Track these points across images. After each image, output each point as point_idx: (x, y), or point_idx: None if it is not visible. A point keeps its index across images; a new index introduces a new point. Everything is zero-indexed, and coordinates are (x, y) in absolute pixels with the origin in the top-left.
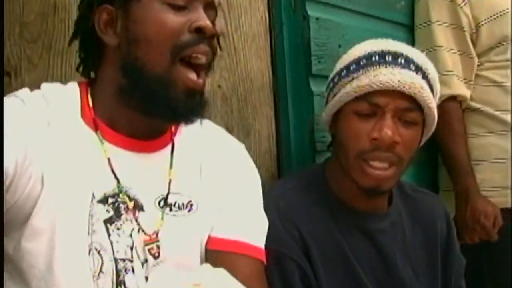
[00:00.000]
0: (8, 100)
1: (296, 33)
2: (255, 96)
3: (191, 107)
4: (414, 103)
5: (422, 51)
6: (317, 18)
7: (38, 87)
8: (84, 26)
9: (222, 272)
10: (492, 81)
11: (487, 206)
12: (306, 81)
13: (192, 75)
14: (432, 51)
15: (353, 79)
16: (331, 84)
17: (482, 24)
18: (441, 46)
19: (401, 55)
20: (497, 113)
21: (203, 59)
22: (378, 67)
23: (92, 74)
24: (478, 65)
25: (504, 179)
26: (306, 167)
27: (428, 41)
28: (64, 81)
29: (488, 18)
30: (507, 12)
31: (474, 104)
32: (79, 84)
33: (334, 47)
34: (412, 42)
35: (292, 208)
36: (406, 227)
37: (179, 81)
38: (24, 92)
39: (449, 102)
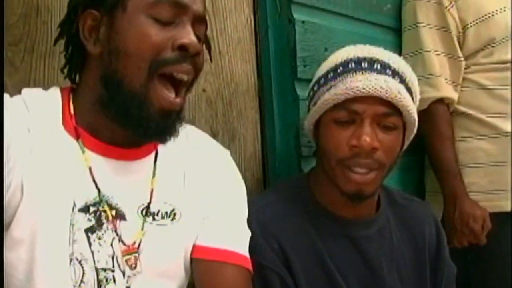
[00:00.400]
0: None
1: (281, 37)
2: (240, 99)
3: (164, 127)
4: (392, 108)
5: (410, 54)
6: (303, 22)
7: (20, 91)
8: (68, 29)
9: None
10: (479, 84)
11: (475, 209)
12: (291, 85)
13: (170, 94)
14: (419, 53)
15: (331, 87)
16: (311, 93)
17: (469, 27)
18: (428, 49)
19: (377, 60)
20: (483, 117)
21: (184, 78)
22: (354, 74)
23: (77, 78)
24: (465, 68)
25: (490, 184)
26: (289, 178)
27: (415, 43)
28: (46, 84)
29: (474, 20)
30: (494, 15)
31: (460, 108)
32: (61, 90)
33: (320, 50)
34: (399, 45)
35: (272, 221)
36: (394, 234)
37: (154, 99)
38: (4, 97)
39: (436, 105)
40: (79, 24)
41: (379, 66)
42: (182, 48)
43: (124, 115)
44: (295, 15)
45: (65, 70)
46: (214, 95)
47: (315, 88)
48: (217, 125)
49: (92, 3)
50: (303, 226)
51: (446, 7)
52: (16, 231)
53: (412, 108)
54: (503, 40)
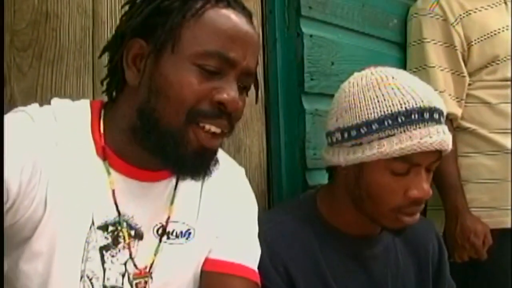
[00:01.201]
0: (16, 115)
1: (289, 50)
2: (247, 111)
3: (199, 166)
4: (441, 153)
5: (414, 69)
6: (311, 35)
7: (27, 96)
8: (115, 47)
9: None
10: (482, 101)
11: (477, 224)
12: (298, 98)
13: (207, 137)
14: (424, 69)
15: (389, 135)
16: (354, 133)
17: (474, 44)
18: (433, 65)
19: (436, 110)
20: (486, 133)
21: (218, 131)
22: (418, 126)
23: (114, 94)
24: (469, 85)
25: (491, 200)
26: (297, 196)
27: (421, 59)
28: (54, 90)
29: (479, 38)
30: (499, 32)
31: (464, 124)
32: (91, 104)
33: (327, 64)
34: (403, 60)
35: (278, 242)
36: (399, 251)
37: (192, 139)
38: (34, 108)
39: None
40: (124, 49)
41: (437, 116)
42: (221, 103)
43: (160, 151)
44: (303, 29)
45: (104, 83)
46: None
47: (364, 130)
48: None
49: (142, 33)
50: (310, 247)
51: (451, 24)
52: (36, 244)
53: None
54: (507, 58)
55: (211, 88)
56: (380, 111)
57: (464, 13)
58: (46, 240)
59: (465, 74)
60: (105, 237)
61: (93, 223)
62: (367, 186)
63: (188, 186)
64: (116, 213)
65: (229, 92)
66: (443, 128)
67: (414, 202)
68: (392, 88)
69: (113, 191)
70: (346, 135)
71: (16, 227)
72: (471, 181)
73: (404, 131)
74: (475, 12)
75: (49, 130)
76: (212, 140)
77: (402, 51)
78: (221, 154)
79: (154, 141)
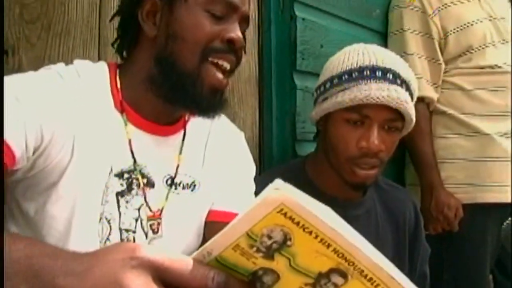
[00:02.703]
0: (46, 73)
1: (283, 31)
2: (242, 86)
3: (213, 104)
4: (398, 113)
5: None
6: (303, 19)
7: (35, 66)
8: (127, 10)
9: None
10: (458, 86)
11: (450, 199)
12: (290, 75)
13: (219, 75)
14: (403, 56)
15: (345, 89)
16: (322, 88)
17: (450, 34)
18: (412, 52)
19: (389, 70)
20: (462, 116)
21: (227, 66)
22: (369, 81)
23: (125, 54)
24: (446, 72)
25: (466, 177)
26: (287, 162)
27: (400, 47)
28: (61, 61)
29: (455, 28)
30: (473, 24)
31: (441, 107)
32: (108, 64)
33: (317, 46)
34: (384, 48)
35: None
36: (379, 216)
37: (206, 79)
38: (61, 66)
39: (417, 104)
40: (138, 6)
41: (391, 76)
42: (230, 41)
43: (178, 92)
44: (297, 13)
45: (115, 46)
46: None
47: (327, 86)
48: None
49: None
50: None
51: (429, 15)
52: (62, 188)
53: (413, 113)
54: (480, 48)
55: (220, 29)
56: (341, 68)
57: (441, 6)
58: (71, 185)
59: (441, 61)
60: (121, 184)
61: (111, 170)
62: (330, 137)
63: (194, 144)
64: (131, 161)
65: (236, 32)
66: (396, 87)
67: (365, 154)
68: (357, 52)
69: (130, 141)
70: (318, 92)
71: (46, 172)
72: (447, 160)
73: (356, 85)
74: (452, 5)
75: (74, 86)
76: (222, 80)
77: (383, 39)
78: (225, 119)
79: (173, 83)
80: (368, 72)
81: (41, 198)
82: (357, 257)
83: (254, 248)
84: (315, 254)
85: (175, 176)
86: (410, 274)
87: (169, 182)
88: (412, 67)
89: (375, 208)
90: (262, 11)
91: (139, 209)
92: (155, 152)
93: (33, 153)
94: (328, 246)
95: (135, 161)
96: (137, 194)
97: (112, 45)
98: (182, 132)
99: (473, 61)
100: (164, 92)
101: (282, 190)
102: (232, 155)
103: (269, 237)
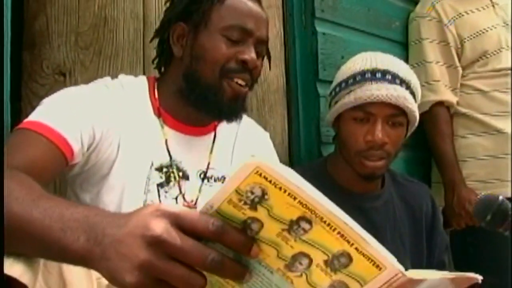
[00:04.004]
0: (95, 85)
1: (306, 46)
2: (271, 97)
3: (234, 109)
4: (399, 109)
5: (414, 64)
6: (324, 34)
7: None
8: (161, 34)
9: None
10: (476, 89)
11: (471, 195)
12: (314, 85)
13: (237, 86)
14: (422, 64)
15: (350, 91)
16: (333, 93)
17: (466, 41)
18: (430, 60)
19: (388, 72)
20: (481, 116)
21: (243, 83)
22: (370, 83)
23: (162, 69)
24: (464, 76)
25: (486, 174)
26: (311, 162)
27: (419, 55)
28: None
29: (470, 35)
30: (487, 31)
31: (461, 109)
32: (148, 78)
33: (338, 57)
34: (405, 57)
35: None
36: (397, 208)
37: (227, 88)
38: (108, 80)
39: (437, 107)
40: (170, 31)
41: (390, 77)
42: (244, 62)
43: (203, 101)
44: (317, 28)
45: (155, 62)
46: (249, 93)
47: (337, 90)
48: (252, 118)
49: (182, 18)
50: None
51: (445, 24)
52: (112, 179)
53: (415, 109)
54: (496, 52)
55: (236, 51)
56: (347, 74)
57: (456, 15)
58: (119, 176)
59: (458, 66)
60: (160, 176)
61: (152, 164)
62: (341, 135)
63: (223, 143)
64: (168, 158)
65: (249, 54)
66: (395, 86)
67: (371, 147)
68: (361, 59)
69: (166, 141)
70: (331, 96)
71: (98, 166)
72: (469, 158)
73: (360, 86)
74: (466, 14)
75: (119, 95)
76: (240, 88)
77: (403, 49)
78: (252, 122)
79: (198, 95)
80: (369, 75)
81: (95, 189)
82: (316, 206)
83: (242, 202)
84: (286, 205)
85: (206, 169)
86: (428, 262)
87: (202, 176)
88: (430, 73)
89: (393, 200)
90: (287, 29)
91: (176, 198)
92: (189, 149)
93: (87, 150)
94: (294, 198)
95: (171, 157)
96: (174, 186)
97: (152, 62)
98: (213, 134)
99: (489, 65)
100: (191, 102)
101: (256, 157)
102: (258, 151)
103: (252, 193)
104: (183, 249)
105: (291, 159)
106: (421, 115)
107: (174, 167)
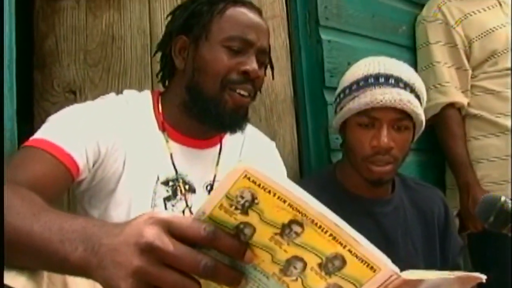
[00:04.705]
0: (100, 101)
1: (311, 54)
2: (279, 107)
3: (236, 120)
4: (404, 113)
5: (423, 68)
6: (329, 41)
7: None
8: (164, 47)
9: None
10: (487, 89)
11: None
12: (321, 93)
13: (239, 96)
14: (431, 67)
15: (354, 97)
16: (337, 100)
17: (474, 41)
18: (439, 62)
19: (392, 76)
20: (493, 117)
21: (245, 94)
22: (373, 88)
23: (166, 83)
24: (474, 77)
25: (501, 175)
26: (320, 170)
27: (428, 58)
28: None
29: (478, 36)
30: (495, 30)
31: (472, 110)
32: (152, 92)
33: (344, 64)
34: (413, 61)
35: None
36: (408, 212)
37: (228, 100)
38: (112, 96)
39: (448, 109)
40: (171, 44)
41: (393, 81)
42: (245, 73)
43: (205, 113)
44: (322, 36)
45: (159, 76)
46: (258, 104)
47: (341, 97)
48: (261, 128)
49: (183, 31)
50: (329, 206)
51: (452, 26)
52: (119, 195)
53: (420, 112)
54: (505, 51)
55: (237, 62)
56: (351, 80)
57: (463, 16)
58: (125, 191)
59: (468, 68)
60: (167, 190)
61: (158, 178)
62: (348, 141)
63: (229, 154)
64: (174, 172)
65: (250, 64)
66: (398, 90)
67: (377, 152)
68: (364, 64)
69: (171, 155)
70: (335, 103)
71: (105, 181)
72: (482, 160)
73: (363, 92)
74: (474, 14)
75: (123, 111)
76: (242, 99)
77: (412, 53)
78: (257, 132)
79: (200, 107)
80: (372, 80)
81: (102, 205)
82: (306, 209)
83: (233, 207)
84: (277, 209)
85: (213, 181)
86: (443, 266)
87: (208, 188)
88: (439, 76)
89: (403, 205)
90: (293, 38)
91: (183, 212)
92: (195, 162)
93: (93, 165)
94: (284, 201)
95: (176, 171)
96: (181, 199)
97: (157, 75)
98: (218, 146)
99: (499, 64)
100: (194, 114)
101: (244, 162)
102: (264, 162)
103: (242, 197)
104: (176, 255)
105: (302, 167)
106: (432, 118)
107: (180, 180)
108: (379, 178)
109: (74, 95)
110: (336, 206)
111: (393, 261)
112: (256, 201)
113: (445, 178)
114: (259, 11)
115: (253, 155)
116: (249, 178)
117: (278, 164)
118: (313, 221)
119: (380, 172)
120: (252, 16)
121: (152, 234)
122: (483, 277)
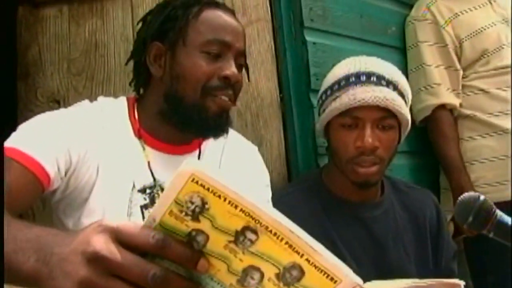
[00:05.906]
0: (73, 109)
1: (297, 57)
2: (265, 111)
3: (219, 124)
4: (388, 112)
5: (413, 69)
6: (314, 43)
7: None
8: (137, 55)
9: None
10: (479, 89)
11: None
12: (307, 96)
13: (221, 101)
14: (421, 67)
15: (336, 97)
16: (320, 101)
17: (464, 41)
18: (429, 63)
19: (373, 74)
20: (485, 117)
21: (226, 99)
22: (355, 86)
23: (141, 90)
24: (465, 77)
25: (496, 176)
26: (306, 173)
27: (418, 59)
28: None
29: (469, 35)
30: (486, 29)
31: (465, 111)
32: (127, 99)
33: (330, 66)
34: (403, 62)
35: (289, 209)
36: (398, 216)
37: (211, 105)
38: (86, 103)
39: (439, 111)
40: (146, 52)
41: (375, 79)
42: (226, 78)
43: (187, 121)
44: (307, 38)
45: (133, 84)
46: (243, 108)
47: (323, 98)
48: (247, 133)
49: (158, 37)
50: (317, 213)
51: (442, 26)
52: (92, 203)
53: (404, 110)
54: (496, 50)
55: (216, 68)
56: (332, 80)
57: (452, 16)
58: (99, 199)
59: (459, 68)
60: (144, 198)
61: (134, 186)
62: (332, 143)
63: (210, 156)
64: (151, 179)
65: (230, 69)
66: (381, 88)
67: (362, 153)
68: (345, 64)
69: (149, 162)
70: (318, 106)
71: (78, 190)
72: (476, 161)
73: (345, 91)
74: (463, 13)
75: (97, 118)
76: (225, 103)
77: (402, 55)
78: (239, 136)
79: (181, 115)
80: (354, 78)
81: (76, 214)
82: (259, 215)
83: (183, 213)
84: (228, 215)
85: None
86: (436, 271)
87: None
88: (430, 76)
89: (394, 208)
90: (278, 41)
91: None
92: (173, 169)
93: (65, 174)
94: (236, 207)
95: (154, 178)
96: None
97: (130, 84)
98: (197, 151)
99: (491, 63)
100: (174, 123)
101: (191, 164)
102: (246, 166)
103: (191, 202)
104: (123, 265)
105: (290, 172)
106: (424, 120)
107: (158, 187)
108: (366, 180)
109: (58, 104)
110: (323, 210)
111: (384, 267)
112: (206, 206)
113: (440, 181)
114: (233, 12)
115: (234, 159)
116: (197, 182)
117: (260, 168)
118: (267, 227)
119: (366, 174)
120: (228, 18)
121: (100, 243)
122: (462, 283)
